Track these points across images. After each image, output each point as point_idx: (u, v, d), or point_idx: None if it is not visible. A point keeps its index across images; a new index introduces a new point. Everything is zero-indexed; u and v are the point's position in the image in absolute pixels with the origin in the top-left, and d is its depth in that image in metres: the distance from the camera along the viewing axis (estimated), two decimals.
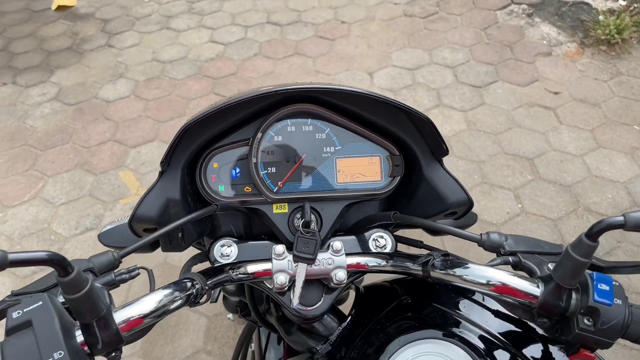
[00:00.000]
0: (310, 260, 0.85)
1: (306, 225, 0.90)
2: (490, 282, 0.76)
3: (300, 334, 1.02)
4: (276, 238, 0.99)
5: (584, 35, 4.10)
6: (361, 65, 4.04)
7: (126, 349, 2.41)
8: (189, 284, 0.76)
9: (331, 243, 0.91)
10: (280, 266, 0.88)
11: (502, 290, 0.75)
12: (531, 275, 0.77)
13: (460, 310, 0.94)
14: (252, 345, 1.57)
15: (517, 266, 0.80)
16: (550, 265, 0.76)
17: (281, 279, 0.87)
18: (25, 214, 3.11)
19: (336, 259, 0.90)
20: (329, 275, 0.89)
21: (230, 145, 0.95)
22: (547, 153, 3.24)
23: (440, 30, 4.35)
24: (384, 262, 0.89)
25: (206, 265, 0.95)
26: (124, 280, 0.75)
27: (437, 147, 0.92)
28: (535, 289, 0.73)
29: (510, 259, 0.79)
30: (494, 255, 0.84)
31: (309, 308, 0.91)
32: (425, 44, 4.22)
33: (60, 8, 5.08)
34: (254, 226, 1.03)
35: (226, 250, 0.95)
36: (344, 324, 0.99)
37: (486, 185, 3.08)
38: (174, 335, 2.49)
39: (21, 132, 3.68)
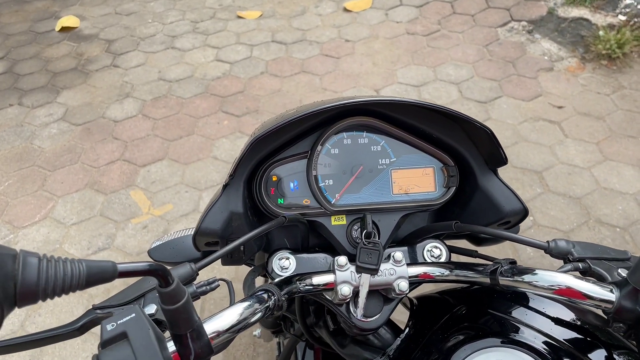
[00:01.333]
0: (374, 271, 0.86)
1: (368, 236, 0.91)
2: (562, 288, 0.77)
3: (355, 346, 1.03)
4: (330, 250, 1.01)
5: (584, 51, 4.17)
6: (367, 82, 4.09)
7: None
8: (265, 296, 0.77)
9: (392, 253, 0.92)
10: (343, 277, 0.89)
11: (575, 295, 0.76)
12: (602, 281, 0.79)
13: (519, 317, 0.95)
14: None
15: (586, 272, 0.81)
16: (621, 271, 0.78)
17: (345, 290, 0.88)
18: (36, 235, 3.09)
19: (398, 269, 0.91)
20: (392, 285, 0.90)
21: (289, 159, 0.97)
22: (554, 166, 3.28)
23: (443, 48, 4.42)
24: (447, 272, 0.91)
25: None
26: (205, 292, 0.76)
27: (495, 157, 0.94)
28: (609, 294, 0.74)
29: (580, 265, 0.81)
30: (559, 262, 0.85)
31: (369, 319, 0.92)
32: (429, 61, 4.28)
33: (64, 29, 5.11)
34: (308, 239, 1.04)
35: (284, 263, 0.96)
36: (402, 335, 1.00)
37: None
38: None
39: (29, 153, 3.68)
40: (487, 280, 0.84)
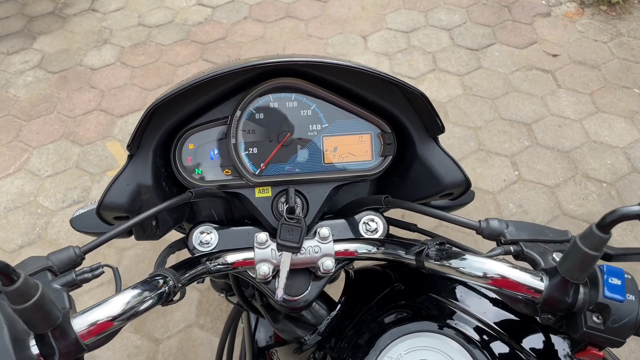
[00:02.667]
0: (296, 249, 0.79)
1: (290, 211, 0.83)
2: (489, 276, 0.69)
3: (287, 322, 0.97)
4: (258, 224, 0.93)
5: None
6: (355, 28, 3.91)
7: None
8: (160, 282, 0.70)
9: (318, 229, 0.84)
10: (263, 255, 0.82)
11: (502, 284, 0.69)
12: (534, 266, 0.71)
13: (456, 300, 0.88)
14: (242, 322, 1.52)
15: (518, 256, 0.73)
16: (556, 256, 0.70)
17: (264, 269, 0.81)
18: (10, 187, 3.02)
19: (323, 247, 0.83)
20: (316, 264, 0.83)
21: (207, 124, 0.88)
22: (545, 118, 3.16)
23: None
24: (374, 249, 0.83)
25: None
26: (86, 280, 0.68)
27: (432, 124, 0.85)
28: (538, 283, 0.67)
29: (512, 248, 0.72)
30: (493, 243, 0.77)
31: (295, 297, 0.85)
32: (421, 5, 4.08)
33: None
34: (236, 210, 0.96)
35: (206, 238, 0.89)
36: (333, 312, 0.94)
37: (482, 152, 3.01)
38: (165, 310, 2.45)
39: (4, 102, 3.56)
40: (413, 261, 0.77)
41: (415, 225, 0.92)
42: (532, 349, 0.80)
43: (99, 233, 1.03)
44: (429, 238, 0.79)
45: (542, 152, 2.98)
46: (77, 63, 3.82)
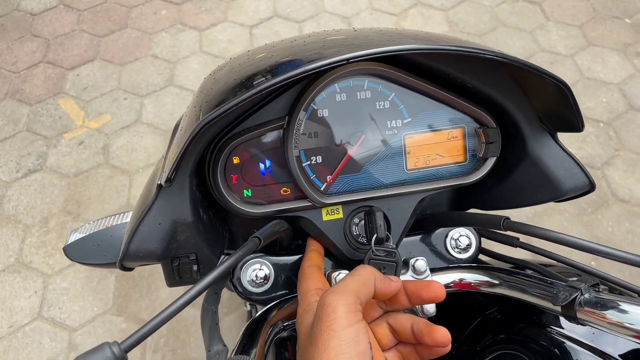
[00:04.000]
0: None
1: (379, 241, 0.62)
2: None
3: None
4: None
5: None
6: None
7: (98, 308, 2.16)
8: None
9: (411, 262, 0.64)
10: None
11: None
12: None
13: (563, 329, 0.71)
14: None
15: None
16: None
17: None
18: None
19: None
20: (414, 308, 0.64)
21: (255, 130, 0.64)
22: (535, 54, 2.98)
23: None
24: (492, 281, 0.64)
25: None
26: None
27: (560, 119, 0.64)
28: None
29: None
30: None
31: None
32: None
33: None
34: (289, 240, 0.75)
35: (260, 274, 0.68)
36: None
37: None
38: (149, 288, 2.24)
39: None
40: (555, 308, 0.58)
41: (518, 239, 0.73)
42: None
43: (101, 264, 0.80)
44: (576, 273, 0.61)
45: None
46: (14, 8, 3.34)
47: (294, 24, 3.16)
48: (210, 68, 2.91)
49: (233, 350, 0.56)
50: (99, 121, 2.77)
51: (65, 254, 0.82)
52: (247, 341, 0.57)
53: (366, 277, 0.54)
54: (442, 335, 0.54)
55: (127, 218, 0.82)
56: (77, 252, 0.81)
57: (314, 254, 0.67)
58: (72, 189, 2.52)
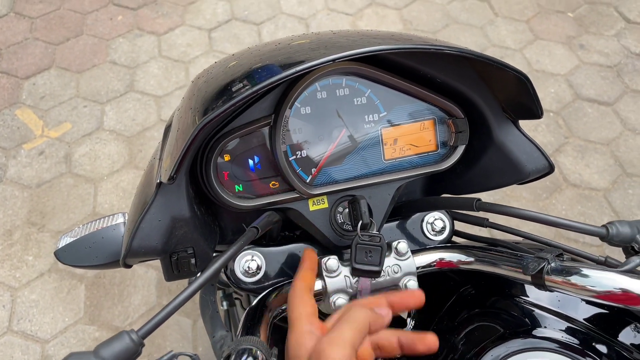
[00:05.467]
0: (377, 274, 0.65)
1: (364, 226, 0.67)
2: (634, 294, 0.59)
3: None
4: (305, 238, 0.77)
5: None
6: None
7: (69, 318, 2.14)
8: None
9: (393, 244, 0.70)
10: (336, 285, 0.67)
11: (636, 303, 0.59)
12: None
13: (531, 297, 0.79)
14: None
15: None
16: None
17: (340, 302, 0.66)
18: None
19: (403, 264, 0.69)
20: (398, 285, 0.70)
21: (245, 129, 0.68)
22: (487, 49, 3.11)
23: None
24: (468, 259, 0.71)
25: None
26: None
27: (520, 107, 0.71)
28: None
29: None
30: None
31: None
32: None
33: None
34: (278, 230, 0.79)
35: (252, 265, 0.72)
36: (406, 329, 0.81)
37: None
38: (121, 294, 2.23)
39: None
40: (526, 278, 0.65)
41: (487, 219, 0.80)
42: (633, 344, 0.73)
43: (95, 265, 0.83)
44: (540, 247, 0.67)
45: None
46: None
47: (252, 26, 3.19)
48: (171, 72, 2.91)
49: (237, 334, 0.60)
50: (59, 130, 2.73)
51: (57, 258, 0.84)
52: (250, 324, 0.61)
53: (362, 324, 0.54)
54: (434, 340, 0.58)
55: (117, 220, 0.85)
56: (69, 256, 0.83)
57: (307, 274, 0.66)
58: (35, 200, 2.48)
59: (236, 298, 1.24)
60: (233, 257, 0.60)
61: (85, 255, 0.82)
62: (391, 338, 0.58)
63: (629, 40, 3.14)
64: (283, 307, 0.66)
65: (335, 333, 0.52)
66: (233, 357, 0.53)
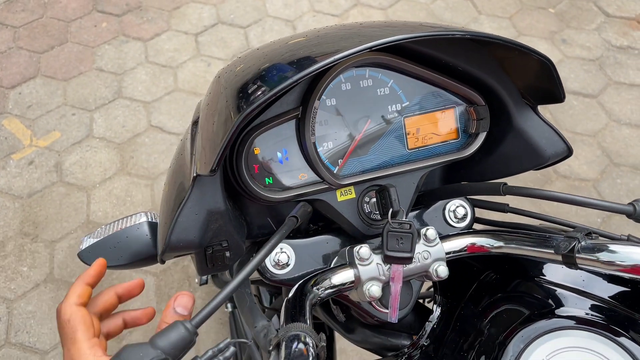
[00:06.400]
0: (409, 260, 0.66)
1: (394, 214, 0.68)
2: None
3: (368, 332, 0.85)
4: (331, 229, 0.78)
5: None
6: None
7: None
8: (302, 348, 0.54)
9: (422, 231, 0.71)
10: (369, 273, 0.68)
11: None
12: None
13: (550, 277, 0.80)
14: None
15: None
16: None
17: (374, 290, 0.67)
18: None
19: (432, 250, 0.71)
20: (428, 272, 0.71)
21: (274, 121, 0.69)
22: None
23: None
24: (498, 243, 0.72)
25: None
26: None
27: (541, 92, 0.73)
28: None
29: None
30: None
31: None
32: None
33: None
34: (307, 221, 0.80)
35: (282, 257, 0.73)
36: (435, 314, 0.83)
37: None
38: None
39: None
40: (556, 258, 0.67)
41: (508, 204, 0.82)
42: None
43: (119, 266, 0.82)
44: (565, 227, 0.69)
45: None
46: None
47: (239, 29, 3.19)
48: (159, 78, 2.90)
49: (281, 323, 0.60)
50: (47, 139, 2.70)
51: (81, 259, 0.84)
52: (293, 313, 0.61)
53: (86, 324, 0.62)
54: (152, 311, 0.74)
55: (141, 219, 0.85)
56: (95, 256, 0.83)
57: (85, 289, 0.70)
58: (27, 210, 2.45)
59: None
60: (276, 246, 0.60)
61: (111, 254, 0.82)
62: (117, 321, 0.71)
63: (609, 34, 3.22)
64: (321, 296, 0.66)
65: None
66: (284, 344, 0.53)
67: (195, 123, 0.73)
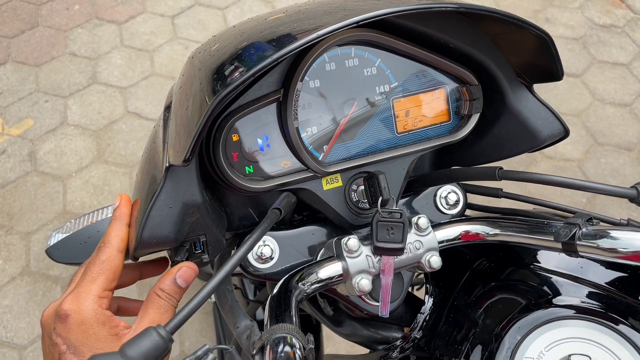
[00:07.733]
0: (400, 252, 0.62)
1: (384, 203, 0.64)
2: None
3: (358, 325, 0.81)
4: (316, 219, 0.74)
5: None
6: None
7: None
8: (288, 350, 0.49)
9: (413, 220, 0.67)
10: (358, 266, 0.64)
11: None
12: None
13: (545, 265, 0.77)
14: None
15: None
16: None
17: (364, 283, 0.63)
18: None
19: (425, 240, 0.67)
20: (420, 263, 0.67)
21: (252, 105, 0.64)
22: None
23: None
24: (493, 230, 0.68)
25: None
26: None
27: (539, 70, 0.69)
28: None
29: None
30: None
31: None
32: None
33: None
34: (291, 212, 0.75)
35: (265, 250, 0.68)
36: (427, 306, 0.79)
37: None
38: None
39: None
40: (556, 245, 0.63)
41: (502, 189, 0.78)
42: None
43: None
44: (552, 211, 0.65)
45: None
46: None
47: (217, 11, 3.10)
48: (135, 62, 2.81)
49: (265, 323, 0.56)
50: (20, 127, 2.60)
51: (49, 256, 0.78)
52: (277, 312, 0.57)
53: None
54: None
55: (110, 212, 0.79)
56: (62, 253, 0.78)
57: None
58: (0, 201, 2.37)
59: (236, 288, 1.20)
60: (257, 241, 0.56)
61: (80, 251, 0.76)
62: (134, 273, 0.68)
63: (592, 12, 3.19)
64: (308, 292, 0.62)
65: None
66: (268, 347, 0.49)
67: (168, 108, 0.67)
